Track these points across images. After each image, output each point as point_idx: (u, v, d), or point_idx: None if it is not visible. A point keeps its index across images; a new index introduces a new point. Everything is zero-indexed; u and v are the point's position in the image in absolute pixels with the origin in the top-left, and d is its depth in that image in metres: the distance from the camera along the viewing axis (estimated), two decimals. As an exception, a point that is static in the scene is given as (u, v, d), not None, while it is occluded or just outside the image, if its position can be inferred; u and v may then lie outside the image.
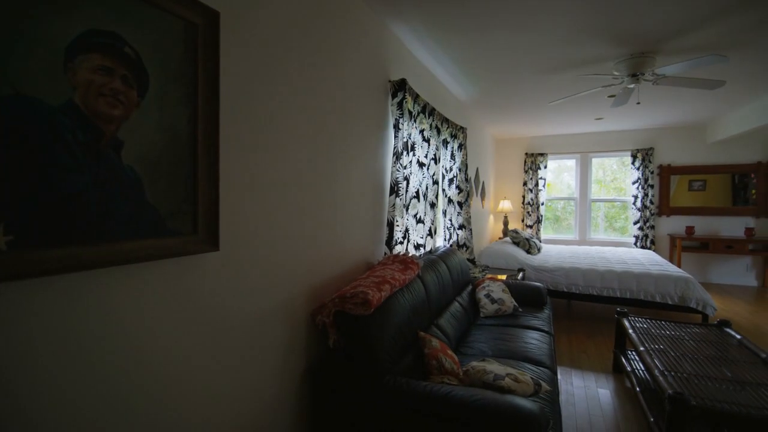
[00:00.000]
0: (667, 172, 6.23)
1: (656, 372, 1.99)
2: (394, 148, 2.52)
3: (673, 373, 1.99)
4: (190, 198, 1.08)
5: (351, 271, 2.13)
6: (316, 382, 1.68)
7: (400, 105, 2.55)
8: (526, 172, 7.03)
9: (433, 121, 3.26)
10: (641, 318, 2.88)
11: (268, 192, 1.46)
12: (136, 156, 0.96)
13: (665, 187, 6.24)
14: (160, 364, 1.06)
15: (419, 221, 3.04)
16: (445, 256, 3.06)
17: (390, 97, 2.61)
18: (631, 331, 2.61)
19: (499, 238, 6.55)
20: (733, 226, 5.94)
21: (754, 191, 5.83)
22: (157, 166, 1.01)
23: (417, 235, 3.02)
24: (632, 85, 3.17)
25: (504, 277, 3.89)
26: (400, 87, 2.56)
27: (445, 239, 4.00)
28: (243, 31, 1.32)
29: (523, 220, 7.10)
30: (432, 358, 1.80)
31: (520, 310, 3.01)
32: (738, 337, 2.49)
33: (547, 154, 6.90)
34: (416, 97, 2.81)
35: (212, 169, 1.12)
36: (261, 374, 1.45)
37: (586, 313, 4.54)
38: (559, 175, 7.26)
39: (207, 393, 1.21)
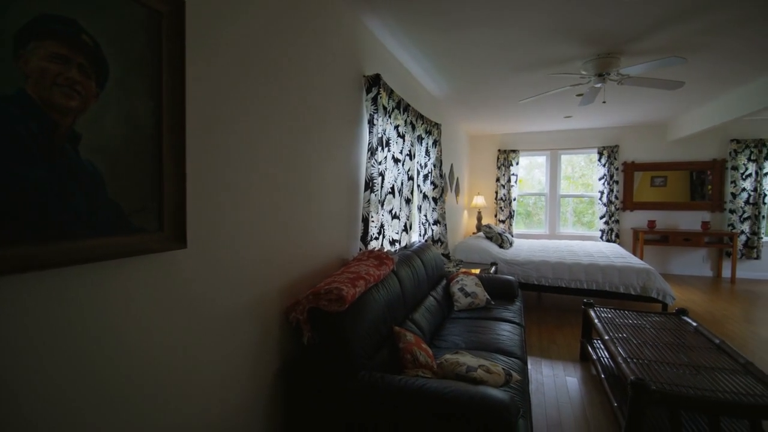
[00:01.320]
0: (630, 169, 6.52)
1: (619, 359, 2.08)
2: (369, 143, 2.51)
3: (635, 360, 2.10)
4: (155, 194, 1.04)
5: (325, 267, 2.12)
6: (290, 380, 1.66)
7: (374, 100, 2.54)
8: (498, 168, 7.18)
9: (408, 116, 3.27)
10: (606, 308, 3.01)
11: (239, 188, 1.42)
12: (95, 150, 0.91)
13: (629, 182, 6.53)
14: (123, 365, 1.02)
15: (394, 217, 3.06)
16: (420, 251, 3.09)
17: (364, 93, 2.59)
18: (596, 320, 2.72)
19: (473, 233, 6.67)
20: (690, 220, 6.28)
21: (710, 187, 6.18)
22: (118, 160, 0.96)
23: (392, 230, 3.03)
24: (599, 85, 3.28)
25: (477, 271, 3.97)
26: (374, 82, 2.55)
27: (420, 235, 4.04)
28: (211, 21, 1.28)
29: (496, 216, 7.25)
30: (407, 352, 1.81)
31: (493, 303, 3.08)
32: (694, 324, 2.64)
33: (518, 151, 7.07)
34: (391, 93, 2.81)
35: (178, 164, 1.08)
36: (232, 374, 1.42)
37: (555, 304, 4.70)
38: (530, 172, 7.46)
39: (176, 394, 1.18)
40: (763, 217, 5.87)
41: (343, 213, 2.37)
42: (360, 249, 2.53)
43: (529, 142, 7.09)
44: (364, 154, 2.64)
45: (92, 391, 0.95)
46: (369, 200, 2.47)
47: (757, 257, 5.92)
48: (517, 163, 7.06)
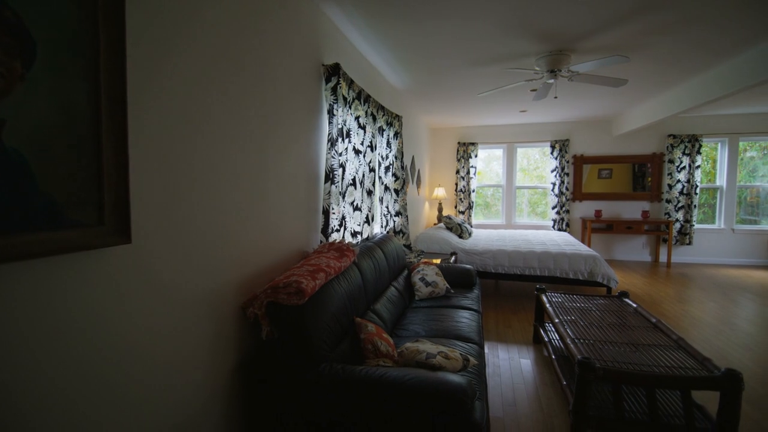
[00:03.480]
0: (580, 162, 6.90)
1: (568, 340, 2.21)
2: (329, 134, 2.48)
3: (582, 341, 2.24)
4: (94, 185, 0.97)
5: (285, 260, 2.08)
6: (249, 376, 1.63)
7: (334, 90, 2.50)
8: (458, 160, 7.34)
9: (369, 108, 3.25)
10: (557, 293, 3.18)
11: (191, 179, 1.35)
12: (22, 137, 0.83)
13: (578, 175, 6.91)
14: (57, 370, 0.95)
15: (356, 209, 3.05)
16: (382, 242, 3.10)
17: (324, 82, 2.55)
18: (547, 305, 2.87)
19: (434, 224, 6.80)
20: (632, 210, 6.77)
21: (649, 179, 6.67)
22: (50, 149, 0.89)
23: (354, 222, 3.02)
24: (551, 81, 3.42)
25: (438, 261, 4.06)
26: (334, 71, 2.51)
27: (382, 226, 4.05)
28: (158, 4, 1.20)
29: (456, 207, 7.43)
30: (368, 343, 1.83)
31: (452, 291, 3.16)
32: (634, 305, 2.86)
33: (477, 144, 7.26)
34: (351, 83, 2.78)
35: (120, 153, 1.01)
36: (186, 373, 1.36)
37: (511, 291, 4.91)
38: (489, 164, 7.69)
39: (120, 411, 1.12)
40: (695, 206, 6.42)
41: (303, 205, 2.33)
42: (321, 241, 2.50)
43: (487, 135, 7.30)
44: (324, 145, 2.60)
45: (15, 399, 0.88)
46: (329, 192, 2.45)
47: (690, 243, 6.49)
48: (476, 156, 7.25)
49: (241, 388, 1.66)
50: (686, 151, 6.41)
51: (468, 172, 7.25)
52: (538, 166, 7.53)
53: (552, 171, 6.91)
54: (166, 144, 1.24)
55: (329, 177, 2.45)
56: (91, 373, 1.02)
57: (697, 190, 6.41)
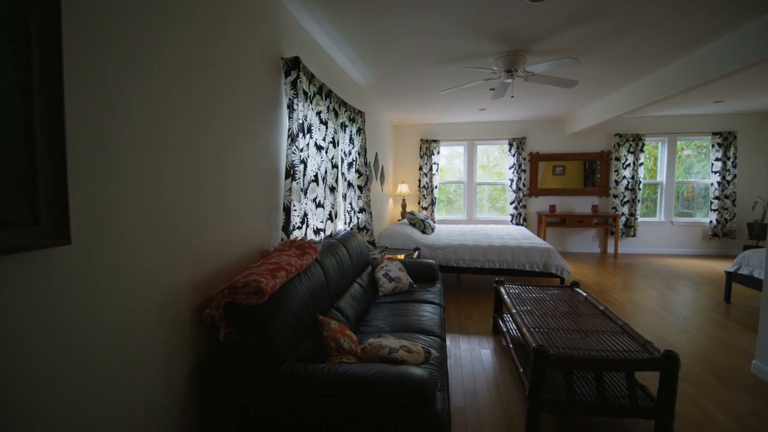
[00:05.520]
0: (536, 159, 7.20)
1: (524, 329, 2.31)
2: (289, 129, 2.42)
3: (537, 329, 2.34)
4: (27, 182, 0.89)
5: (244, 259, 2.02)
6: (207, 381, 1.57)
7: (294, 84, 2.45)
8: (421, 157, 7.43)
9: (331, 103, 3.21)
10: (514, 285, 3.31)
11: (140, 177, 1.28)
12: (-62, 128, 0.75)
13: (534, 171, 7.21)
14: (-6, 384, 0.87)
15: (319, 205, 3.01)
16: (345, 239, 3.09)
17: (283, 76, 2.48)
18: (505, 296, 2.98)
19: (398, 220, 6.85)
20: (583, 204, 7.16)
21: (599, 175, 7.08)
22: (-27, 141, 0.81)
23: (317, 219, 2.98)
24: (508, 80, 3.54)
25: (402, 256, 4.10)
26: (293, 65, 2.45)
27: (345, 223, 4.03)
28: (94, -17, 1.11)
29: (419, 203, 7.53)
30: (331, 340, 1.82)
31: (415, 286, 3.21)
32: (584, 294, 3.03)
33: (439, 141, 7.39)
34: (312, 78, 2.73)
35: (56, 147, 0.93)
36: (136, 384, 1.29)
37: (472, 284, 5.05)
38: (451, 161, 7.84)
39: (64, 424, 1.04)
40: (639, 201, 6.90)
41: (263, 202, 2.27)
42: (282, 239, 2.45)
43: (448, 132, 7.44)
44: (284, 141, 2.54)
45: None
46: (290, 188, 2.40)
47: (634, 235, 6.97)
48: (438, 153, 7.38)
49: (198, 391, 1.60)
50: (631, 150, 6.85)
51: (431, 169, 7.37)
52: (498, 163, 7.78)
53: (510, 168, 7.16)
54: (113, 138, 1.16)
55: (290, 173, 2.40)
56: (22, 383, 0.94)
57: (641, 186, 6.88)
